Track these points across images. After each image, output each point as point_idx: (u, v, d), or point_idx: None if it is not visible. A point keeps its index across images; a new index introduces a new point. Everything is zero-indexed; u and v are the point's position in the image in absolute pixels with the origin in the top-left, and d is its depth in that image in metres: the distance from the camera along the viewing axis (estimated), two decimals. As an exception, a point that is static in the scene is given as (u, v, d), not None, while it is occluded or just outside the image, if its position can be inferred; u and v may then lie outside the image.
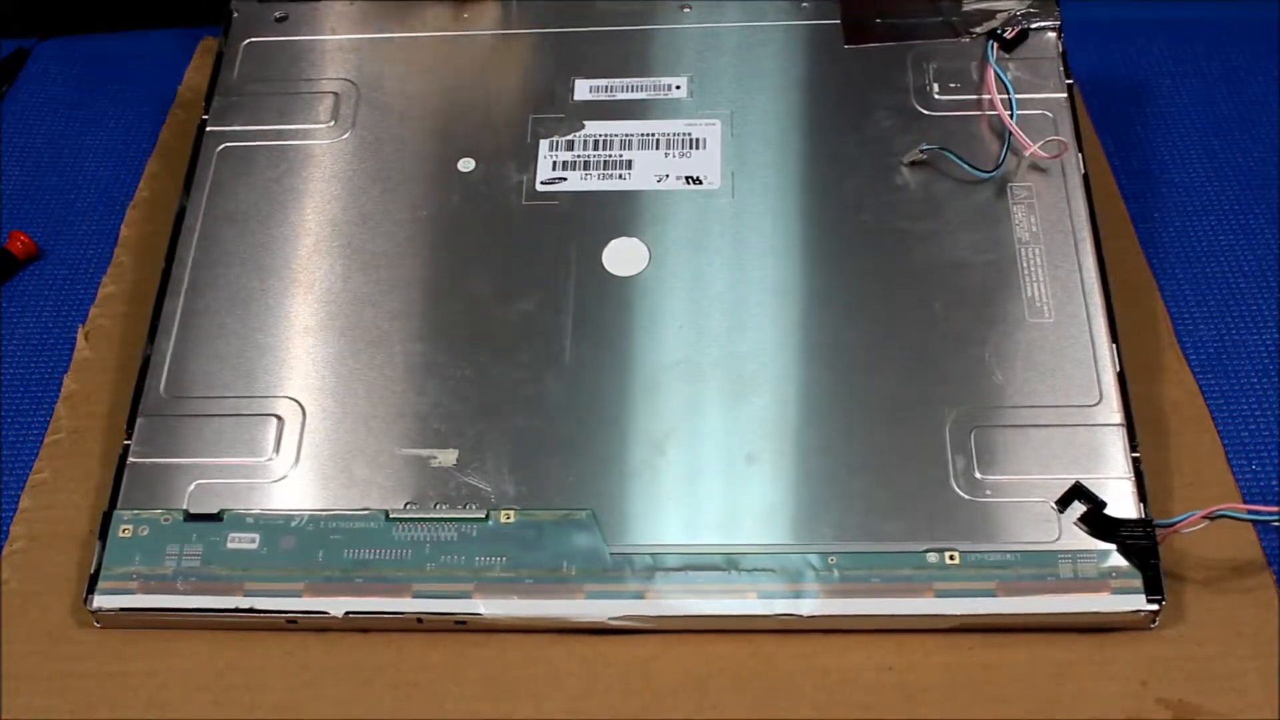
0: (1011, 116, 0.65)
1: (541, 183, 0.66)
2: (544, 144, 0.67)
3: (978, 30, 0.70)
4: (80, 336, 0.67)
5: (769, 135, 0.67)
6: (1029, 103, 0.66)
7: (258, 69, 0.71)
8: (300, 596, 0.55)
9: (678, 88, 0.69)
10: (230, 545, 0.56)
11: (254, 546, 0.56)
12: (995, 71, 0.67)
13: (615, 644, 0.55)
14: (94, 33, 0.87)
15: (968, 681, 0.53)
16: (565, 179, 0.66)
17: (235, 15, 0.73)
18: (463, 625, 0.55)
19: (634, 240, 0.64)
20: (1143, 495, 0.55)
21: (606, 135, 0.67)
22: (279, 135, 0.69)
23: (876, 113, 0.67)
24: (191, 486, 0.58)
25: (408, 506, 0.57)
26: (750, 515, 0.56)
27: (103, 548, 0.56)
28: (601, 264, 0.63)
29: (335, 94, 0.70)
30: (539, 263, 0.63)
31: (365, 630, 0.55)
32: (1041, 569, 0.54)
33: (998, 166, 0.64)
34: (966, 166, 0.64)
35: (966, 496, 0.56)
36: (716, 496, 0.56)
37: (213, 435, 0.59)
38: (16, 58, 0.86)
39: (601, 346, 0.60)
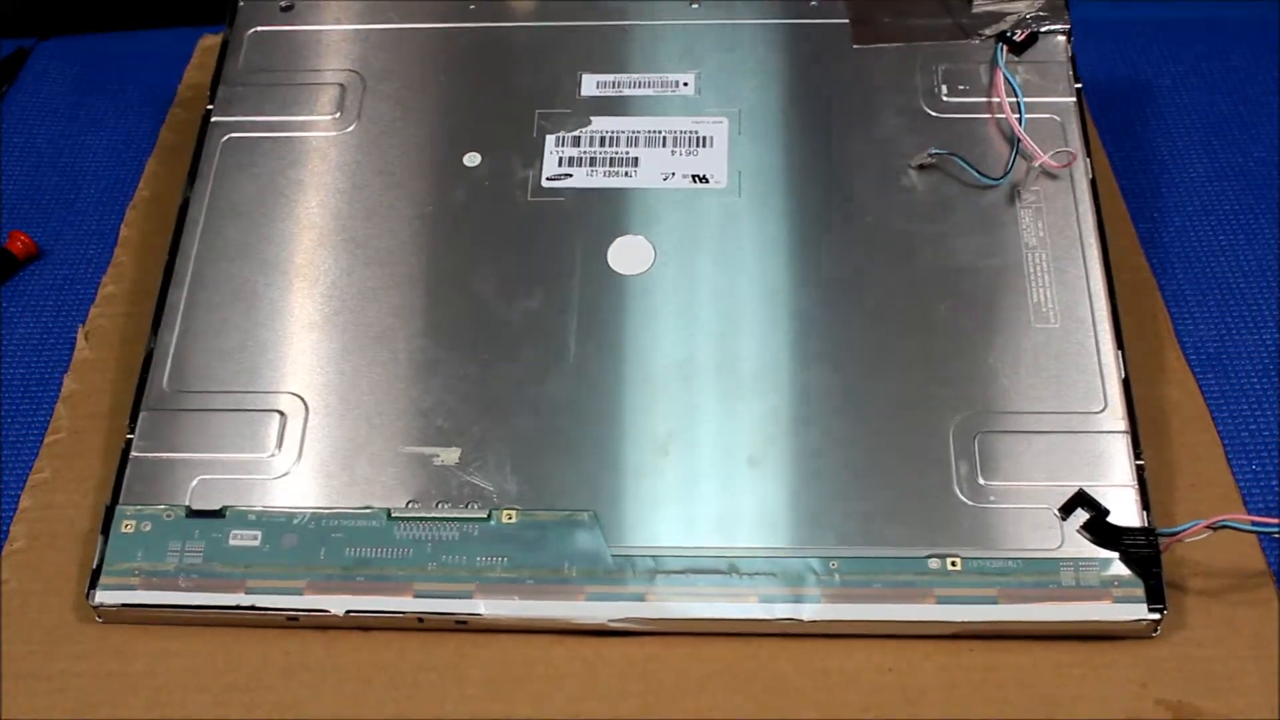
0: (1020, 121, 0.64)
1: (547, 179, 0.66)
2: (550, 139, 0.67)
3: (987, 32, 0.69)
4: (80, 336, 0.67)
5: (776, 134, 0.67)
6: (1037, 106, 0.66)
7: (263, 59, 0.71)
8: (301, 594, 0.55)
9: (685, 84, 0.69)
10: (232, 542, 0.56)
11: (256, 543, 0.56)
12: (1004, 75, 0.67)
13: (615, 645, 0.55)
14: (94, 33, 0.87)
15: (968, 683, 0.53)
16: (571, 175, 0.66)
17: (241, 5, 0.73)
18: (463, 625, 0.55)
19: (639, 239, 0.63)
20: (1146, 504, 0.55)
21: (613, 132, 0.67)
22: (283, 126, 0.68)
23: (884, 114, 0.67)
24: (194, 482, 0.58)
25: (410, 505, 0.57)
26: (752, 518, 0.56)
27: (105, 543, 0.56)
28: (606, 262, 0.63)
29: (340, 85, 0.69)
30: (544, 260, 0.63)
31: (366, 629, 0.55)
32: (1043, 576, 0.54)
33: (1006, 173, 0.64)
34: (975, 173, 0.64)
35: (969, 502, 0.55)
36: (718, 499, 0.56)
37: (215, 430, 0.59)
38: (16, 58, 0.86)
39: (605, 346, 0.60)
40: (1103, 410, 0.57)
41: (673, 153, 0.66)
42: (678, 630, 0.55)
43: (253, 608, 0.55)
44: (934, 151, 0.64)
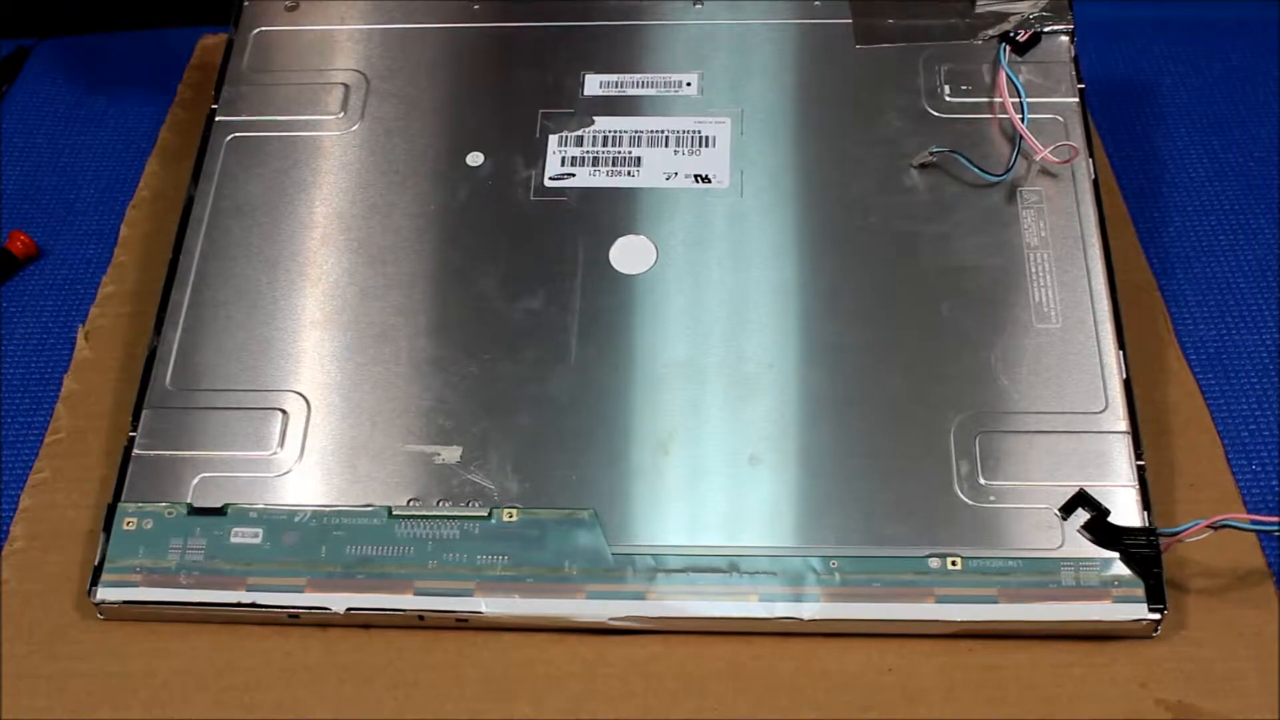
0: (1023, 120, 0.64)
1: (550, 178, 0.66)
2: (553, 139, 0.67)
3: (990, 33, 0.69)
4: (80, 336, 0.67)
5: (779, 134, 0.67)
6: (1040, 106, 0.66)
7: (267, 59, 0.71)
8: (302, 592, 0.55)
9: (688, 84, 0.69)
10: (233, 540, 0.56)
11: (257, 541, 0.56)
12: (1007, 74, 0.67)
13: (616, 644, 0.55)
14: (94, 33, 0.87)
15: (968, 683, 0.53)
16: (574, 175, 0.66)
17: (246, 4, 0.73)
18: (464, 623, 0.55)
19: (642, 238, 0.63)
20: (1146, 504, 0.55)
21: (616, 131, 0.67)
22: (288, 126, 0.68)
23: (887, 113, 0.67)
24: (196, 480, 0.58)
25: (411, 503, 0.57)
26: (753, 517, 0.56)
27: (106, 540, 0.56)
28: (609, 262, 0.63)
29: (345, 85, 0.70)
30: (546, 259, 0.63)
31: (366, 627, 0.55)
32: (1043, 576, 0.54)
33: (1007, 170, 0.64)
34: (976, 170, 0.64)
35: (970, 502, 0.55)
36: (719, 497, 0.56)
37: (218, 428, 0.59)
38: (16, 58, 0.86)
39: (607, 345, 0.60)
40: (1103, 410, 0.57)
41: (675, 152, 0.66)
42: (678, 629, 0.55)
43: (253, 605, 0.55)
44: (935, 150, 0.64)
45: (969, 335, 0.60)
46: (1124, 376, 0.58)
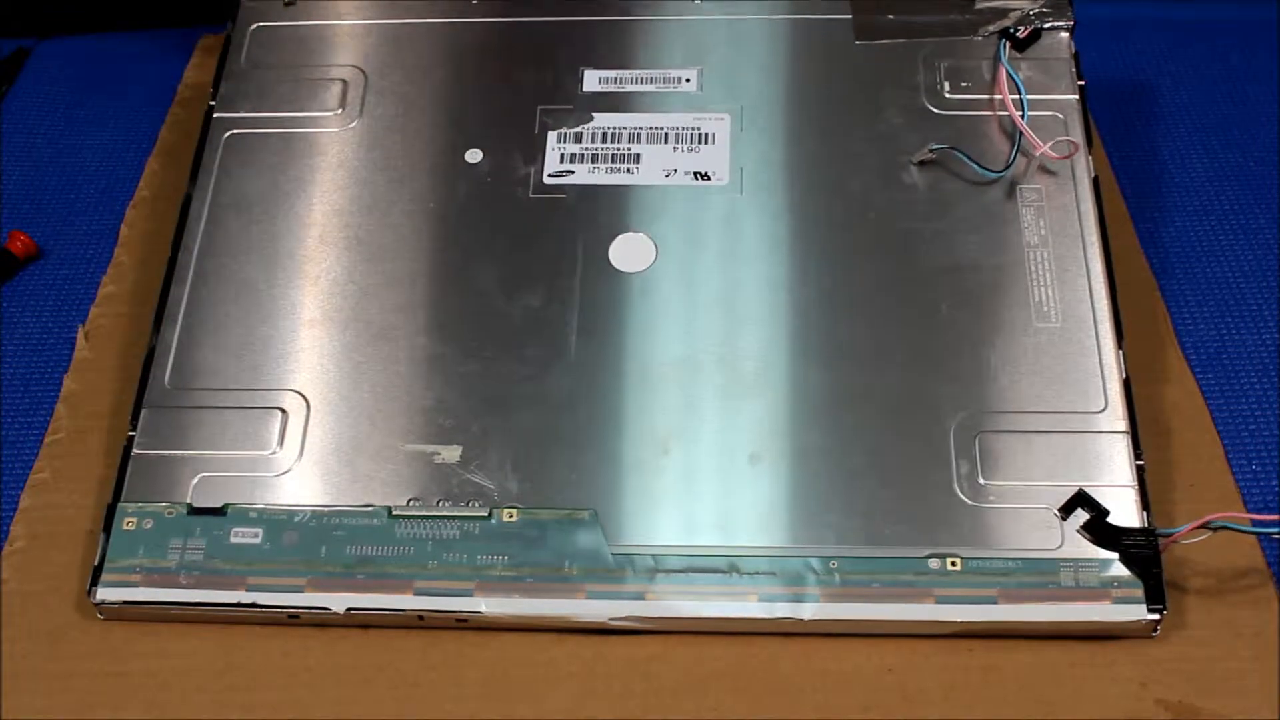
0: (1022, 116, 0.64)
1: (549, 175, 0.66)
2: (552, 136, 0.67)
3: (990, 29, 0.69)
4: (80, 336, 0.67)
5: (778, 131, 0.67)
6: (1040, 103, 0.66)
7: (266, 55, 0.71)
8: (302, 592, 0.55)
9: (688, 80, 0.69)
10: (233, 540, 0.56)
11: (257, 541, 0.56)
12: (1007, 71, 0.66)
13: (616, 645, 0.55)
14: (94, 33, 0.87)
15: (967, 683, 0.53)
16: (573, 172, 0.66)
17: (244, 1, 0.73)
18: (464, 623, 0.55)
19: (641, 235, 0.63)
20: (1146, 504, 0.55)
21: (615, 128, 0.67)
22: (286, 123, 0.68)
23: (886, 110, 0.67)
24: (195, 479, 0.58)
25: (411, 503, 0.57)
26: (752, 517, 0.56)
27: (106, 540, 0.56)
28: (608, 259, 0.63)
29: (344, 81, 0.69)
30: (545, 257, 0.63)
31: (366, 627, 0.55)
32: (1043, 576, 0.54)
33: (1007, 167, 0.64)
34: (976, 166, 0.63)
35: (969, 502, 0.56)
36: (719, 497, 0.56)
37: (217, 428, 0.59)
38: (16, 58, 0.86)
39: (607, 343, 0.60)
40: (1103, 410, 0.57)
41: (674, 149, 0.66)
42: (678, 629, 0.55)
43: (253, 605, 0.55)
44: (935, 146, 0.64)
45: (968, 334, 0.60)
46: (1123, 376, 0.58)
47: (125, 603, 0.55)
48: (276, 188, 0.66)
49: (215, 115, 0.68)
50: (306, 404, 0.59)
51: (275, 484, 0.58)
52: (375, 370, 0.60)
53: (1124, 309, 0.60)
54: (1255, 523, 0.53)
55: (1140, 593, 0.53)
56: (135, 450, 0.59)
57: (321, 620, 0.55)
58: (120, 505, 0.57)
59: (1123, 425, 0.57)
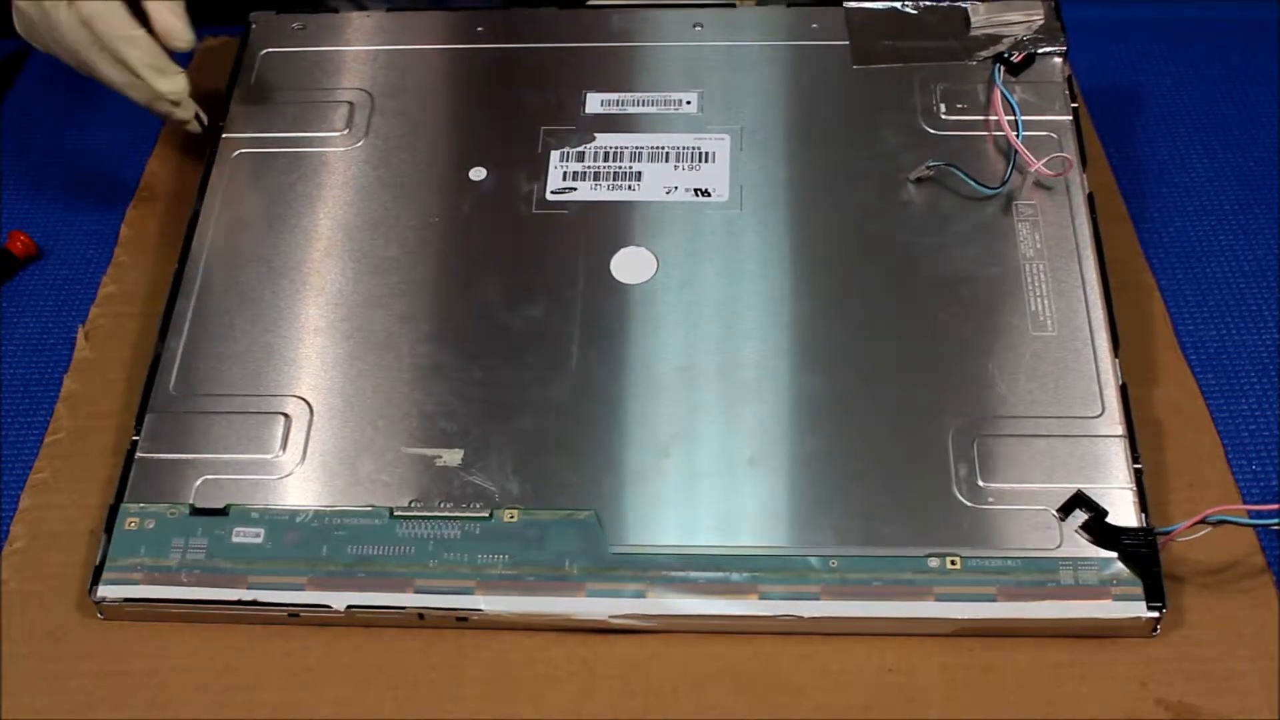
0: (1017, 135, 0.65)
1: (551, 192, 0.66)
2: (555, 155, 0.68)
3: (984, 54, 0.70)
4: (80, 336, 0.68)
5: (777, 150, 0.68)
6: (1034, 124, 0.67)
7: (274, 77, 0.72)
8: (303, 590, 0.55)
9: (688, 103, 0.70)
10: (235, 539, 0.56)
11: (258, 541, 0.56)
12: (1001, 92, 0.68)
13: (616, 644, 0.55)
14: None
15: (967, 683, 0.53)
16: (575, 189, 0.67)
17: (254, 26, 0.74)
18: (464, 622, 0.55)
19: (642, 250, 0.64)
20: (1144, 506, 0.55)
21: (617, 147, 0.68)
22: (293, 142, 0.69)
23: (884, 131, 0.68)
24: (198, 482, 0.58)
25: (412, 504, 0.57)
26: (752, 518, 0.56)
27: (108, 540, 0.56)
28: (609, 272, 0.63)
29: (350, 103, 0.71)
30: (547, 269, 0.64)
31: (367, 625, 0.55)
32: (1042, 575, 0.54)
33: (1003, 183, 0.64)
34: (972, 183, 0.64)
35: (968, 503, 0.56)
36: (719, 499, 0.57)
37: (220, 432, 0.59)
38: (16, 58, 0.86)
39: (608, 351, 0.61)
40: (1100, 415, 0.58)
41: (675, 167, 0.67)
42: (678, 628, 0.55)
43: (254, 603, 0.55)
44: (932, 163, 0.65)
45: (966, 343, 0.60)
46: (1120, 383, 0.59)
47: (126, 600, 0.55)
48: (283, 204, 0.67)
49: (224, 135, 0.70)
50: (309, 409, 0.60)
51: (278, 487, 0.58)
52: (378, 377, 0.61)
53: (1123, 309, 0.61)
54: (1253, 514, 0.53)
55: (1139, 591, 0.53)
56: (139, 454, 0.59)
57: (322, 619, 0.55)
58: (123, 506, 0.57)
59: (1120, 429, 0.57)
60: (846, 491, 0.56)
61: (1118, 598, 0.53)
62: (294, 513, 0.57)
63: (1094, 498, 0.55)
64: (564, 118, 0.70)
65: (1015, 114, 0.67)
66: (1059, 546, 0.54)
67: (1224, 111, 0.78)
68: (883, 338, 0.61)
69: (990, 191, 0.64)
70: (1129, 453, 0.57)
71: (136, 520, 0.57)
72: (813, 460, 0.57)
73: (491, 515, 0.56)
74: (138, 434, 0.59)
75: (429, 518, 0.56)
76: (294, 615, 0.55)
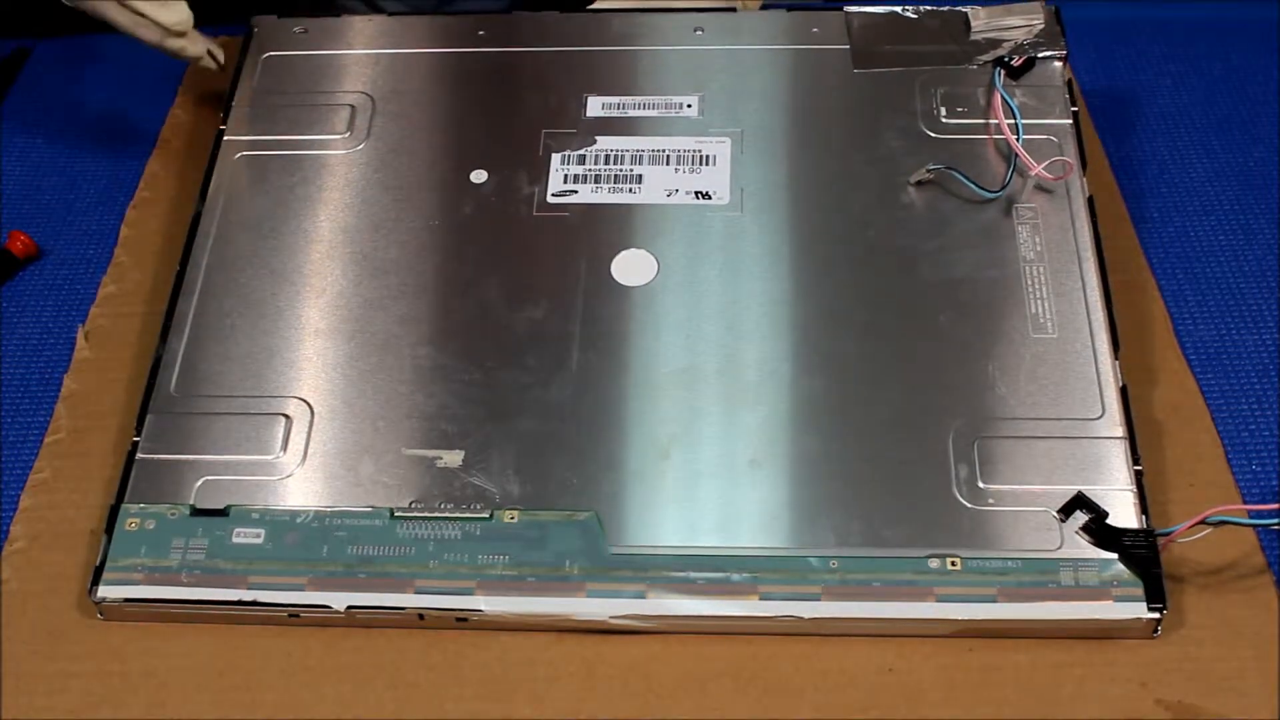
0: (1018, 139, 0.66)
1: (552, 195, 0.67)
2: (555, 157, 0.68)
3: (985, 58, 0.71)
4: (80, 336, 0.68)
5: (778, 154, 0.68)
6: (1034, 128, 0.67)
7: (276, 81, 0.72)
8: (303, 590, 0.55)
9: (689, 106, 0.70)
10: (235, 540, 0.56)
11: (259, 541, 0.56)
12: (1002, 96, 0.68)
13: (616, 644, 0.55)
14: (94, 33, 0.85)
15: (968, 683, 0.53)
16: (576, 191, 0.67)
17: (256, 30, 0.75)
18: (464, 622, 0.55)
19: (642, 252, 0.64)
20: (1145, 508, 0.55)
21: (617, 150, 0.68)
22: (295, 145, 0.69)
23: (884, 134, 0.68)
24: (199, 483, 0.58)
25: (412, 505, 0.57)
26: (752, 519, 0.56)
27: (108, 540, 0.56)
28: (610, 274, 0.63)
29: (351, 106, 0.71)
30: (548, 272, 0.64)
31: (367, 626, 0.55)
32: (1043, 576, 0.54)
33: (1003, 186, 0.65)
34: (973, 186, 0.65)
35: (969, 505, 0.56)
36: (719, 500, 0.57)
37: (221, 433, 0.59)
38: (16, 58, 0.86)
39: (608, 353, 0.61)
40: (1100, 417, 0.58)
41: (676, 170, 0.67)
42: (678, 629, 0.55)
43: (254, 603, 0.55)
44: (932, 166, 0.65)
45: (966, 345, 0.60)
46: (1120, 385, 0.59)
47: (126, 600, 0.55)
48: (284, 206, 0.67)
49: (226, 138, 0.70)
50: (310, 410, 0.60)
51: (278, 488, 0.58)
52: (379, 378, 0.61)
53: (1123, 309, 0.61)
54: (1253, 514, 0.53)
55: (1140, 592, 0.53)
56: (140, 455, 0.59)
57: (322, 619, 0.55)
58: (123, 506, 0.57)
59: (1120, 431, 0.57)
60: (847, 493, 0.56)
61: (1118, 599, 0.53)
62: (294, 513, 0.57)
63: (1094, 499, 0.55)
64: (565, 121, 0.70)
65: (1015, 118, 0.67)
66: (1059, 548, 0.54)
67: (1224, 111, 0.78)
68: (883, 340, 0.61)
69: (991, 195, 0.65)
70: (1129, 454, 0.57)
71: (137, 521, 0.57)
72: (812, 461, 0.57)
73: (492, 516, 0.56)
74: (139, 435, 0.59)
75: (429, 518, 0.56)
76: (294, 615, 0.55)
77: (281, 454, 0.59)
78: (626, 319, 0.62)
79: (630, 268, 0.64)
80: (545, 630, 0.55)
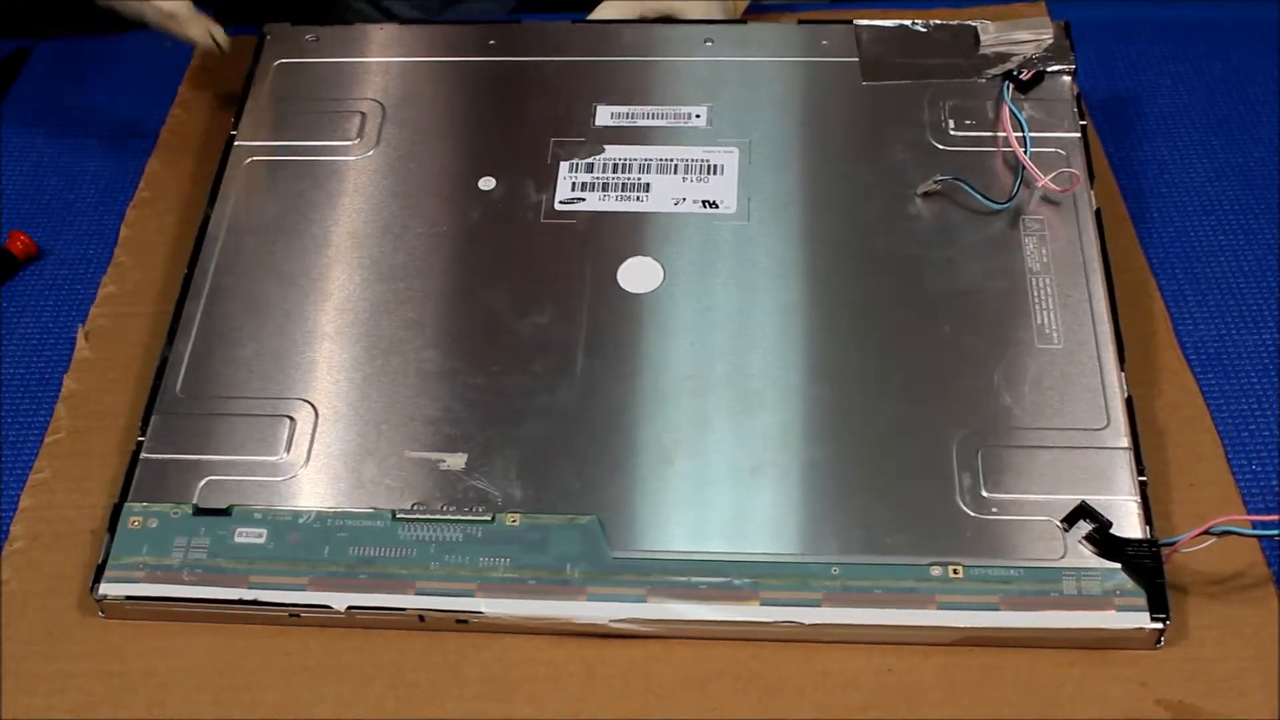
0: (1025, 151, 0.66)
1: (560, 202, 0.67)
2: (564, 165, 0.68)
3: (993, 71, 0.71)
4: (80, 336, 0.68)
5: (786, 164, 0.68)
6: (1042, 141, 0.67)
7: (287, 87, 0.73)
8: (304, 590, 0.55)
9: (697, 116, 0.70)
10: (237, 539, 0.56)
11: (261, 541, 0.56)
12: (1010, 109, 0.68)
13: (616, 646, 0.55)
14: (94, 33, 0.86)
15: (967, 683, 0.53)
16: (584, 199, 0.67)
17: (268, 37, 0.75)
18: (464, 624, 0.55)
19: (649, 259, 0.64)
20: (1149, 519, 0.55)
21: (626, 159, 0.68)
22: (304, 151, 0.70)
23: (892, 145, 0.68)
24: (202, 483, 0.58)
25: (415, 507, 0.57)
26: (755, 526, 0.56)
27: (111, 539, 0.57)
28: (616, 281, 0.64)
29: (362, 113, 0.71)
30: (554, 278, 0.64)
31: (367, 627, 0.55)
32: (1045, 585, 0.53)
33: (1011, 198, 0.65)
34: (980, 197, 0.65)
35: (972, 513, 0.56)
36: (722, 506, 0.57)
37: (225, 434, 0.60)
38: (16, 58, 0.86)
39: (613, 359, 0.61)
40: (1105, 427, 0.58)
41: (684, 179, 0.67)
42: (678, 634, 0.55)
43: (255, 602, 0.55)
44: (940, 178, 0.65)
45: (972, 355, 0.60)
46: (1125, 396, 0.58)
47: (127, 599, 0.55)
48: (293, 211, 0.67)
49: (237, 143, 0.70)
50: (315, 412, 0.60)
51: (282, 488, 0.58)
52: (384, 382, 0.61)
53: (1123, 310, 0.61)
54: (1256, 524, 0.53)
55: (1143, 602, 0.53)
56: (144, 454, 0.59)
57: (322, 619, 0.55)
58: (126, 505, 0.57)
59: (1125, 442, 0.57)
60: (851, 500, 0.56)
61: (1121, 608, 0.53)
62: (296, 514, 0.57)
63: (1098, 509, 0.55)
64: (574, 129, 0.70)
65: (1024, 130, 0.67)
66: (1063, 557, 0.54)
67: (1224, 111, 0.78)
68: (888, 349, 0.61)
69: (998, 206, 0.65)
70: (1134, 465, 0.56)
71: (139, 519, 0.57)
72: (816, 469, 0.57)
73: (493, 519, 0.56)
74: (143, 435, 0.60)
75: (431, 520, 0.56)
76: (295, 615, 0.55)
77: (285, 455, 0.59)
78: (632, 326, 0.62)
79: (636, 275, 0.64)
80: (545, 633, 0.55)
